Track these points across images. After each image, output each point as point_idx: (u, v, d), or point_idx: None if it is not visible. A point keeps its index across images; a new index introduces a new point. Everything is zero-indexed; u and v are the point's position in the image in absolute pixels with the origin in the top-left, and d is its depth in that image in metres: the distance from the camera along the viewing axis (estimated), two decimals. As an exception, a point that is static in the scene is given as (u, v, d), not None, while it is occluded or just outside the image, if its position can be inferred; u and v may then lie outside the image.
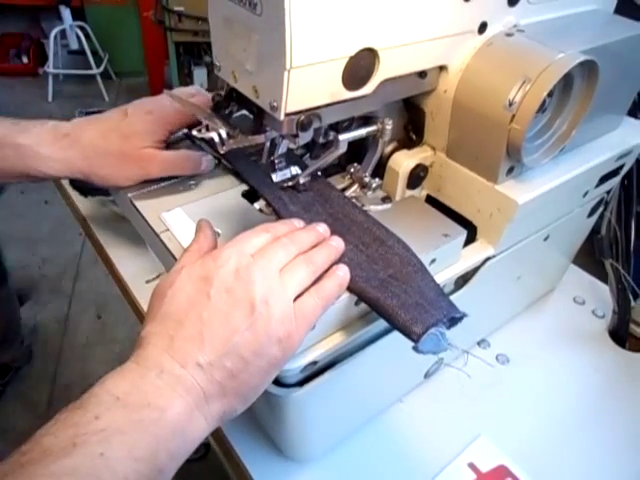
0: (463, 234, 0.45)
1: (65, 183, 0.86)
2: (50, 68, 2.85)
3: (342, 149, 0.44)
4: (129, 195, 0.48)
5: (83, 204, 0.82)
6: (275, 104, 0.36)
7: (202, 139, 0.51)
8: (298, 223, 0.40)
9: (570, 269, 0.74)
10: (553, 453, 0.55)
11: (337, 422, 0.52)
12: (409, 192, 0.52)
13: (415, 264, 0.39)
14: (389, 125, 0.45)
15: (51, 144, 0.47)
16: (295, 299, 0.34)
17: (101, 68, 2.87)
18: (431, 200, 0.53)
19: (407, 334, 0.35)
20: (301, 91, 0.36)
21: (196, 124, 0.49)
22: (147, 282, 0.71)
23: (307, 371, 0.42)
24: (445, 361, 0.60)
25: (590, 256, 0.72)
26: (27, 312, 1.70)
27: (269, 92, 0.37)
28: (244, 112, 0.43)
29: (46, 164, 0.47)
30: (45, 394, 1.49)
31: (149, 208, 0.46)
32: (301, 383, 0.42)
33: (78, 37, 2.79)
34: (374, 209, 0.47)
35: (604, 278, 0.70)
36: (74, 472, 0.26)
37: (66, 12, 2.69)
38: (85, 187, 0.80)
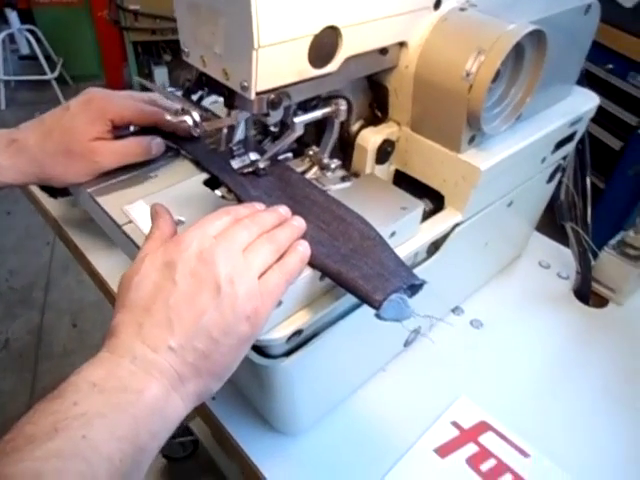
0: (420, 206, 0.47)
1: (33, 187, 0.85)
2: (0, 75, 2.76)
3: (298, 131, 0.45)
4: (88, 191, 0.48)
5: (53, 206, 0.81)
6: (245, 84, 0.38)
7: (170, 134, 0.51)
8: (259, 206, 0.40)
9: (534, 236, 0.78)
10: (530, 405, 0.58)
11: (324, 392, 0.53)
12: (378, 167, 0.54)
13: (374, 237, 0.41)
14: (343, 106, 0.47)
15: (1, 153, 0.47)
16: (259, 277, 0.35)
17: (56, 73, 2.80)
18: (400, 174, 0.55)
19: (369, 302, 0.36)
20: (270, 70, 0.38)
21: (144, 117, 0.50)
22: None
23: (293, 342, 0.44)
24: (422, 331, 0.63)
25: (552, 223, 0.75)
26: (-3, 326, 1.66)
27: (239, 73, 0.38)
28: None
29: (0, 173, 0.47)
30: (23, 406, 1.46)
31: (110, 202, 0.46)
32: (288, 354, 0.44)
33: (28, 41, 2.72)
34: (334, 188, 0.48)
35: (566, 242, 0.74)
36: (59, 454, 0.27)
37: (12, 15, 2.61)
38: (53, 188, 0.79)
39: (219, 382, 0.35)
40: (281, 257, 0.37)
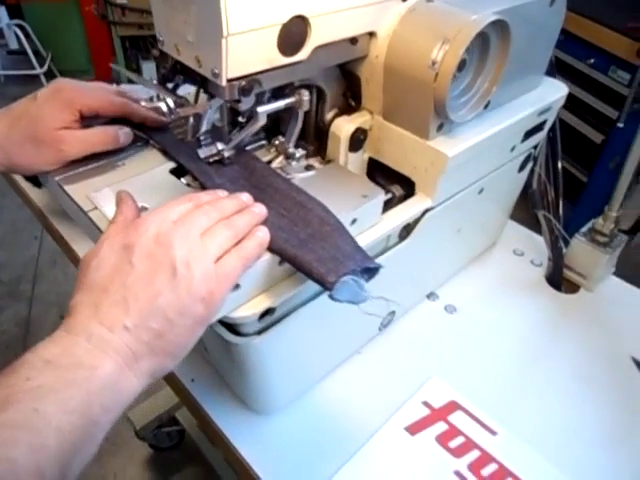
0: (381, 194, 0.48)
1: (18, 177, 0.85)
2: (-11, 70, 2.76)
3: (262, 121, 0.46)
4: (56, 179, 0.48)
5: (38, 196, 0.82)
6: (217, 71, 0.39)
7: (139, 125, 0.52)
8: (222, 193, 0.42)
9: (509, 225, 0.80)
10: (500, 387, 0.61)
11: (298, 372, 0.55)
12: (352, 155, 0.55)
13: (333, 224, 0.42)
14: (306, 96, 0.48)
15: None
16: (217, 260, 0.36)
17: (44, 68, 2.79)
18: (373, 162, 0.57)
19: (322, 284, 0.38)
20: (240, 57, 0.39)
21: (112, 107, 0.51)
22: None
23: (265, 322, 0.45)
24: (396, 315, 0.65)
25: (526, 211, 0.78)
26: (-16, 319, 1.67)
27: (210, 60, 0.40)
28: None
29: None
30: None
31: (77, 190, 0.47)
32: (260, 333, 0.45)
33: (17, 36, 2.71)
34: (298, 177, 0.50)
35: (540, 230, 0.76)
36: (9, 425, 0.28)
37: (1, 10, 2.60)
38: (37, 178, 0.80)
39: (174, 361, 0.36)
40: (240, 242, 0.38)
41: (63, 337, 0.32)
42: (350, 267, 0.39)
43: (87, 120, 0.50)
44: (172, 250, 0.34)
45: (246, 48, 0.39)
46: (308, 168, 0.50)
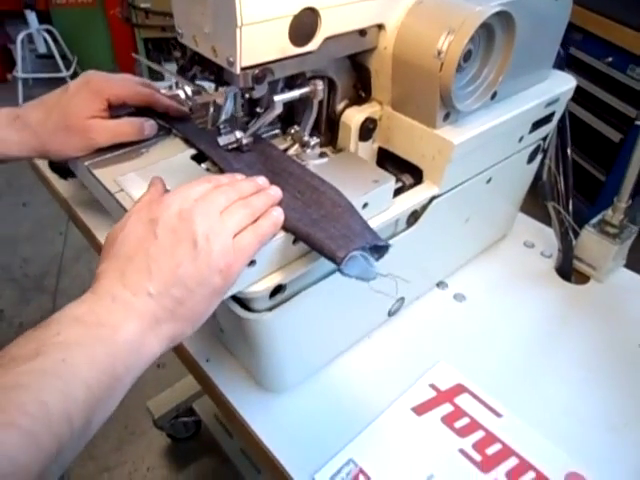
0: (392, 180, 0.50)
1: (45, 169, 0.89)
2: (19, 73, 2.84)
3: (278, 109, 0.49)
4: (86, 164, 0.52)
5: (64, 187, 0.86)
6: (232, 59, 0.42)
7: (162, 115, 0.55)
8: (239, 176, 0.44)
9: (519, 217, 0.81)
10: (507, 372, 0.62)
11: (308, 351, 0.57)
12: (362, 144, 0.57)
13: (345, 205, 0.45)
14: (320, 86, 0.50)
15: (6, 127, 0.52)
16: (234, 237, 0.38)
17: (71, 70, 2.87)
18: (383, 151, 0.59)
19: (332, 259, 0.40)
20: (253, 47, 0.42)
21: (137, 97, 0.54)
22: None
23: (276, 300, 0.48)
24: (406, 301, 0.67)
25: (537, 205, 0.79)
26: (12, 310, 1.73)
27: (226, 49, 0.42)
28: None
29: (4, 145, 0.52)
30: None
31: (105, 174, 0.50)
32: (272, 310, 0.48)
33: (46, 41, 2.80)
34: (312, 164, 0.52)
35: (550, 223, 0.77)
36: (39, 372, 0.30)
37: (32, 16, 2.69)
38: (63, 169, 0.84)
39: (192, 327, 0.38)
40: (256, 221, 0.40)
41: (90, 298, 0.35)
42: (360, 244, 0.41)
43: (114, 109, 0.54)
44: (194, 225, 0.37)
45: (259, 38, 0.42)
46: (322, 155, 0.53)
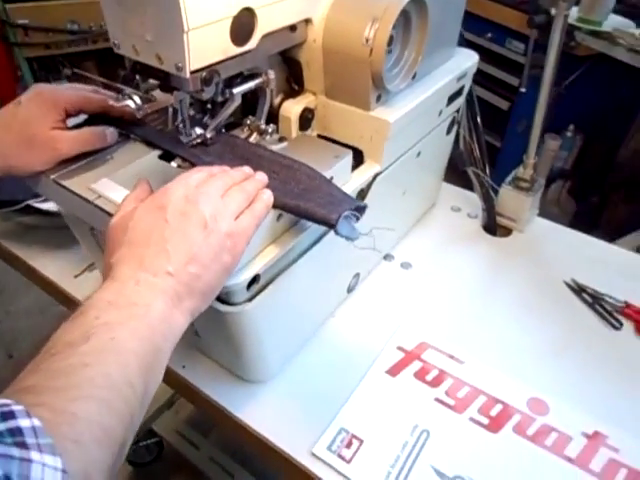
0: (349, 153, 0.55)
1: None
2: None
3: (237, 101, 0.52)
4: (52, 177, 0.51)
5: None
6: (180, 65, 0.43)
7: (116, 119, 0.55)
8: (225, 167, 0.47)
9: (444, 186, 0.89)
10: (459, 324, 0.68)
11: (286, 337, 0.60)
12: (302, 134, 0.60)
13: (320, 177, 0.49)
14: (272, 75, 0.53)
15: None
16: (235, 219, 0.42)
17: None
18: (322, 138, 0.62)
19: (327, 222, 0.44)
20: (200, 50, 0.43)
21: (92, 105, 0.54)
22: (75, 277, 0.73)
23: (252, 290, 0.50)
24: (361, 276, 0.71)
25: (456, 173, 0.87)
26: None
27: (173, 55, 0.43)
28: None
29: None
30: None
31: (76, 184, 0.50)
32: (250, 300, 0.50)
33: None
34: (274, 148, 0.55)
35: (470, 187, 0.85)
36: (96, 351, 0.33)
37: None
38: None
39: (207, 302, 0.41)
40: (249, 205, 0.43)
41: (113, 285, 0.37)
42: (346, 206, 0.46)
43: (70, 118, 0.53)
44: (200, 208, 0.40)
45: (204, 41, 0.43)
46: (281, 140, 0.56)
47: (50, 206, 0.76)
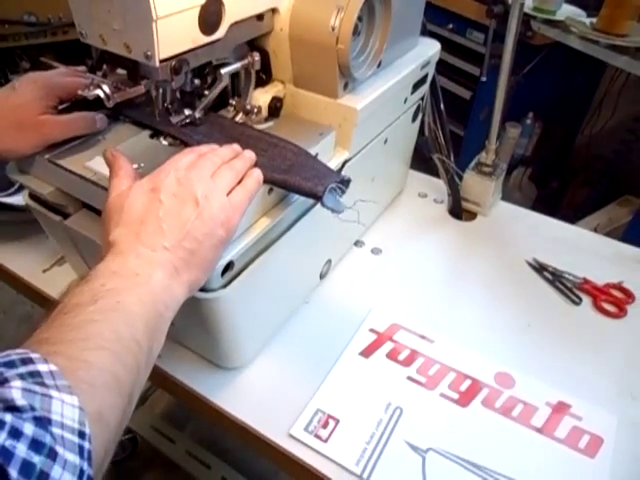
0: (333, 131, 0.57)
1: None
2: None
3: (225, 81, 0.54)
4: (46, 156, 0.51)
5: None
6: (149, 53, 0.43)
7: (95, 103, 0.55)
8: (214, 146, 0.48)
9: (410, 173, 0.91)
10: (429, 305, 0.71)
11: (261, 322, 0.61)
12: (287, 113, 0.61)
13: (306, 154, 0.52)
14: (257, 57, 0.55)
15: None
16: (228, 195, 0.44)
17: None
18: (290, 127, 0.63)
19: (313, 195, 0.47)
20: (169, 39, 0.44)
21: (80, 89, 0.54)
22: (44, 271, 0.72)
23: (228, 277, 0.50)
24: (333, 263, 0.73)
25: (422, 161, 0.89)
26: None
27: (141, 44, 0.43)
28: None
29: None
30: None
31: (71, 163, 0.51)
32: (225, 287, 0.51)
33: None
34: (261, 127, 0.57)
35: (436, 174, 0.87)
36: (104, 311, 0.35)
37: None
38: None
39: (204, 275, 0.43)
40: (240, 181, 0.45)
41: (114, 258, 0.39)
42: (332, 179, 0.48)
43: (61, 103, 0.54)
44: (192, 188, 0.41)
45: (173, 29, 0.44)
46: (267, 120, 0.58)
47: (15, 200, 0.74)
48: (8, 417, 0.25)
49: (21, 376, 0.27)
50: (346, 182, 0.50)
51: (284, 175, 0.48)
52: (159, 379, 0.62)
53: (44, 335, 0.33)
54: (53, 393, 0.28)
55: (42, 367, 0.29)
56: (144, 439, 1.25)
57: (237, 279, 0.51)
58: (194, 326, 0.57)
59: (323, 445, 0.54)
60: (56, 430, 0.27)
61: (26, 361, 0.29)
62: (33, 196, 0.56)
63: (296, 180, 0.47)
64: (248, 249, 0.50)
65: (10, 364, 0.28)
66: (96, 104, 0.54)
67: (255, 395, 0.59)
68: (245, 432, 0.56)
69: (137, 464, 1.36)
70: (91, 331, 0.34)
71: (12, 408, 0.26)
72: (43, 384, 0.28)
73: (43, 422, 0.26)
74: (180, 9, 0.43)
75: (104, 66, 0.48)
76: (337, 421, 0.57)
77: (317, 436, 0.55)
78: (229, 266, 0.49)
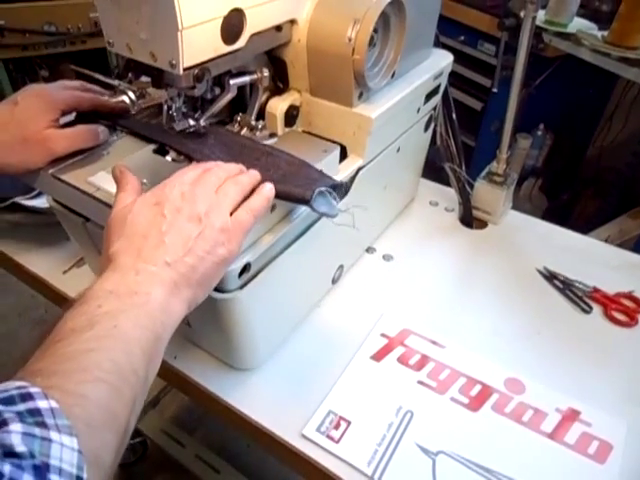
0: (337, 148, 0.58)
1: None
2: None
3: (233, 92, 0.55)
4: (50, 172, 0.52)
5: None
6: (174, 62, 0.45)
7: (107, 115, 0.57)
8: (221, 162, 0.49)
9: (422, 182, 0.92)
10: (439, 311, 0.71)
11: (275, 324, 0.62)
12: (288, 130, 0.63)
13: (299, 162, 0.52)
14: (266, 73, 0.56)
15: None
16: (232, 213, 0.43)
17: None
18: (306, 134, 0.65)
19: (302, 199, 0.47)
20: (193, 48, 0.46)
21: (85, 103, 0.56)
22: (64, 273, 0.74)
23: (244, 278, 0.52)
24: (345, 268, 0.74)
25: (433, 170, 0.90)
26: None
27: (167, 53, 0.45)
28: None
29: None
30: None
31: (74, 177, 0.52)
32: (242, 288, 0.52)
33: None
34: (265, 143, 0.57)
35: (447, 183, 0.89)
36: (101, 338, 0.34)
37: None
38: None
39: (204, 293, 0.43)
40: (247, 198, 0.45)
41: (113, 275, 0.38)
42: (322, 184, 0.48)
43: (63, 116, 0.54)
44: (195, 204, 0.41)
45: (197, 39, 0.45)
46: (272, 136, 0.59)
47: (36, 203, 0.76)
48: (7, 467, 0.25)
49: (21, 416, 0.27)
50: (339, 186, 0.50)
51: (276, 184, 0.47)
52: (175, 379, 0.63)
53: (37, 367, 0.32)
54: (53, 436, 0.27)
55: (42, 404, 0.28)
56: (154, 442, 1.26)
57: (253, 281, 0.52)
58: (210, 327, 0.58)
59: (335, 446, 0.55)
60: (54, 477, 0.26)
61: (25, 397, 0.28)
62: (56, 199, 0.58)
63: (286, 188, 0.47)
64: (264, 252, 0.51)
65: (9, 400, 0.28)
66: (94, 116, 0.57)
67: (268, 396, 0.60)
68: (258, 432, 0.57)
69: (147, 467, 1.38)
70: (87, 361, 0.33)
71: (11, 454, 0.26)
72: (43, 424, 0.27)
73: (42, 471, 0.26)
74: (204, 20, 0.45)
75: (129, 74, 0.50)
76: (349, 423, 0.58)
77: (329, 437, 0.56)
78: (246, 268, 0.51)
